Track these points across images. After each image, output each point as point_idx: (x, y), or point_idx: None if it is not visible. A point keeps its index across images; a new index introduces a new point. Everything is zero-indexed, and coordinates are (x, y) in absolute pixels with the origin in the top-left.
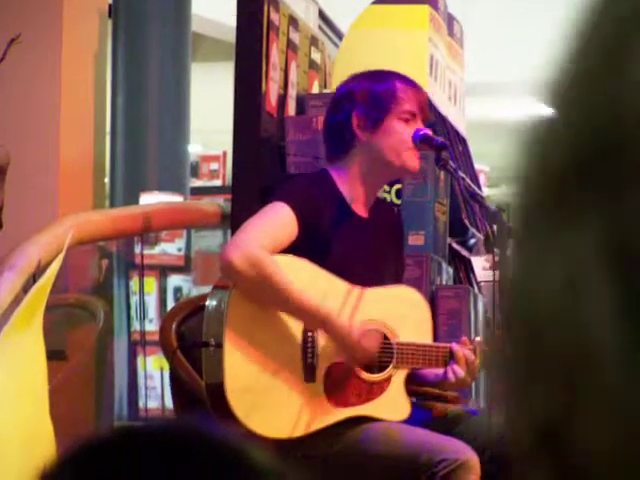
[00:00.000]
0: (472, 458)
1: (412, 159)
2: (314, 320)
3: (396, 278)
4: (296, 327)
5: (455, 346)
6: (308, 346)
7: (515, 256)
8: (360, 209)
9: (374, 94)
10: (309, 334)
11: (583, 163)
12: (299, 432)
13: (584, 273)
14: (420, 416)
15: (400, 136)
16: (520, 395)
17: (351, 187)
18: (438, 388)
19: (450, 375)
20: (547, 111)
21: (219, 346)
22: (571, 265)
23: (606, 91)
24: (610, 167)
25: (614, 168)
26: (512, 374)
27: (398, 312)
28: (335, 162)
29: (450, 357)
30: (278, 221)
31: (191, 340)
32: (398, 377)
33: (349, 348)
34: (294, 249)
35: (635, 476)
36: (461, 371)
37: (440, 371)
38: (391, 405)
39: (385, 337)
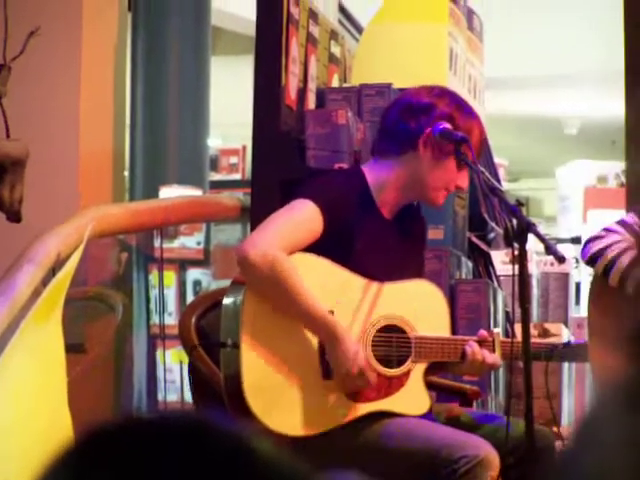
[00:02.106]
0: (491, 454)
1: (442, 198)
2: (322, 333)
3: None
4: None
5: (467, 347)
6: None
7: None
8: (387, 211)
9: (454, 130)
10: None
11: None
12: (317, 430)
13: None
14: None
15: (449, 179)
16: None
17: (383, 188)
18: (453, 371)
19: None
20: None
21: (236, 346)
22: None
23: None
24: None
25: None
26: None
27: (416, 306)
28: (381, 158)
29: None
30: (301, 219)
31: (209, 339)
32: (417, 371)
33: (350, 371)
34: (317, 247)
35: None
36: (479, 353)
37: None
38: (410, 399)
39: (403, 331)
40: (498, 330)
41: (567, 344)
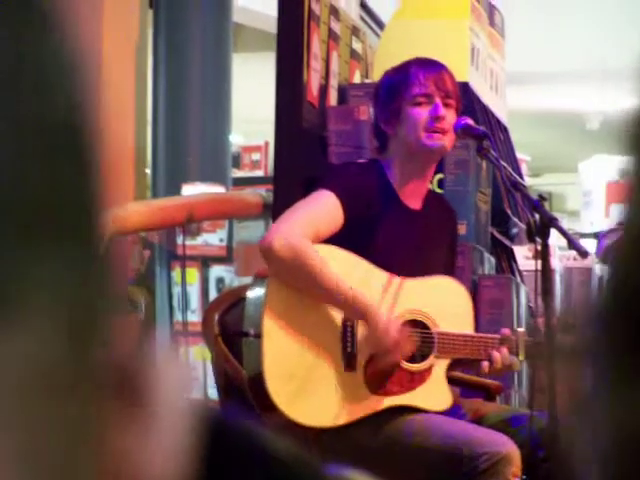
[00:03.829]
0: (513, 451)
1: (429, 138)
2: (353, 311)
3: (445, 273)
4: (335, 315)
5: (495, 353)
6: (348, 335)
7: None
8: (410, 201)
9: (389, 86)
10: (349, 323)
11: None
12: (342, 420)
13: None
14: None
15: (414, 120)
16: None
17: (397, 179)
18: (474, 368)
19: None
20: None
21: (258, 336)
22: None
23: None
24: None
25: None
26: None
27: (439, 302)
28: (382, 153)
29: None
30: (322, 209)
31: (231, 330)
32: (439, 367)
33: (384, 344)
34: (339, 238)
35: None
36: (499, 359)
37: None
38: (432, 395)
39: (426, 327)
40: (522, 329)
41: None
